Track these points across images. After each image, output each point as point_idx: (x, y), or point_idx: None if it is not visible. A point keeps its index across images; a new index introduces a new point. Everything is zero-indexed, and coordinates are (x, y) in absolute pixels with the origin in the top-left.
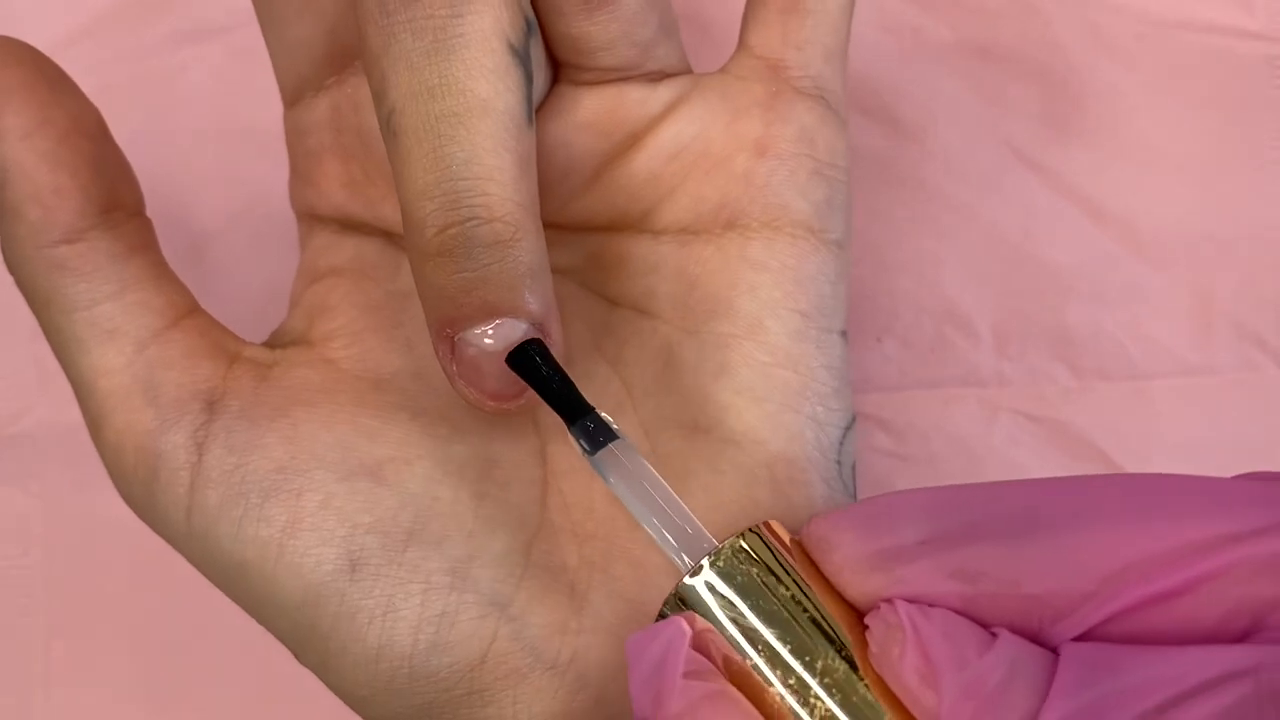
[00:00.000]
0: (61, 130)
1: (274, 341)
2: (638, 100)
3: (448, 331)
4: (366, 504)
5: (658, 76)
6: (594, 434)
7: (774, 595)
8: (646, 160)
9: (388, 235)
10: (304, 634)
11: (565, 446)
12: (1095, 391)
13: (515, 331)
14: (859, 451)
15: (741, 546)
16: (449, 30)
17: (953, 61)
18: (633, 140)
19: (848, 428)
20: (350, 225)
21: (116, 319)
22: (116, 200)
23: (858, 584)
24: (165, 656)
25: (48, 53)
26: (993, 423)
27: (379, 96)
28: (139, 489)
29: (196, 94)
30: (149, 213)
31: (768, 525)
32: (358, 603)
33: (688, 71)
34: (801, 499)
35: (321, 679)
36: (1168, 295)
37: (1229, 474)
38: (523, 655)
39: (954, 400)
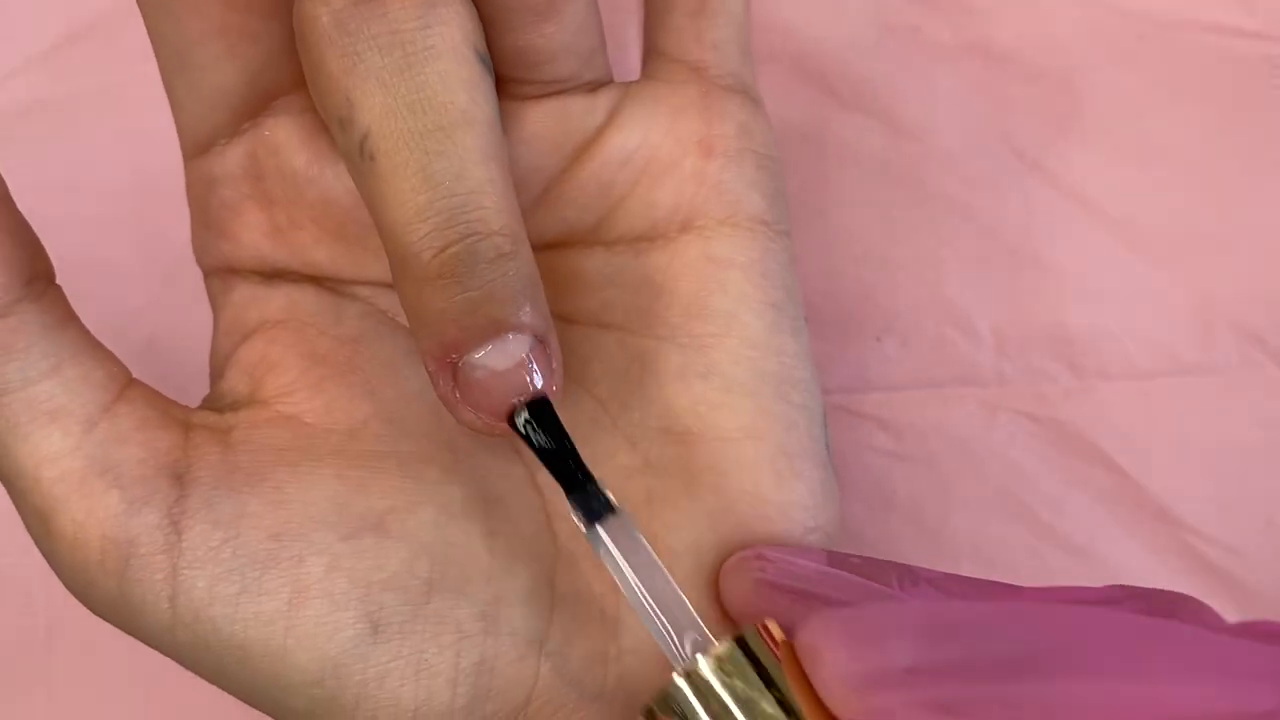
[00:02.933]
0: None
1: (215, 405)
2: (581, 111)
3: (450, 358)
4: (376, 561)
5: (594, 86)
6: (592, 506)
7: (761, 702)
8: (595, 171)
9: (318, 281)
10: (324, 711)
11: None
12: (1095, 391)
13: (521, 347)
14: (859, 451)
15: (734, 649)
16: (419, 43)
17: (953, 61)
18: (579, 152)
19: (825, 414)
20: (276, 274)
21: (57, 398)
22: (36, 269)
23: (843, 702)
24: (165, 656)
25: (47, 52)
26: (992, 422)
27: (345, 124)
28: (108, 584)
29: None
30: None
31: (764, 626)
32: (386, 666)
33: (613, 80)
34: (804, 492)
35: None
36: (1168, 295)
37: (1228, 474)
38: (568, 691)
39: (954, 400)
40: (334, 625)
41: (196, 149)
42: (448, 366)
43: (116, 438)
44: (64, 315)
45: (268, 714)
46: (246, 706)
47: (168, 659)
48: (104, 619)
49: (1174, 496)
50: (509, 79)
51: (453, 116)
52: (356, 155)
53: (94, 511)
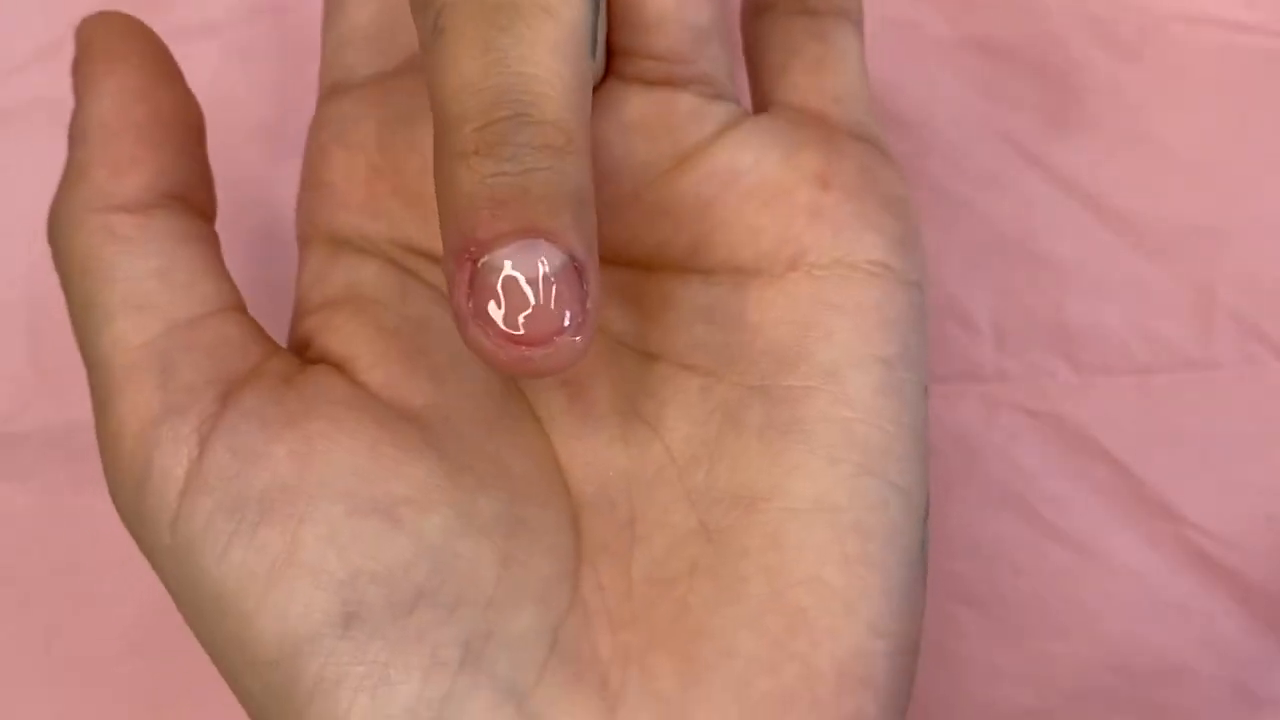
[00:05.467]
0: (160, 111)
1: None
2: (690, 112)
3: (470, 252)
4: (375, 547)
5: (710, 93)
6: None
7: None
8: (697, 183)
9: (395, 260)
10: (277, 699)
11: (602, 517)
12: (1096, 387)
13: (553, 260)
14: None
15: None
16: None
17: (952, 56)
18: (681, 157)
19: (927, 505)
20: (364, 246)
21: (154, 295)
22: (184, 192)
23: None
24: (165, 656)
25: (47, 51)
26: (993, 418)
27: (424, 4)
28: (130, 488)
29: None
30: None
31: None
32: (345, 668)
33: (738, 103)
34: (876, 583)
35: None
36: (1169, 289)
37: (1229, 468)
38: None
39: (954, 396)
40: (308, 602)
41: (328, 90)
42: (466, 264)
43: (189, 344)
44: (197, 235)
45: (230, 686)
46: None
47: (167, 659)
48: (126, 527)
49: (1175, 491)
50: (616, 51)
51: (533, 2)
52: (429, 35)
53: (136, 407)
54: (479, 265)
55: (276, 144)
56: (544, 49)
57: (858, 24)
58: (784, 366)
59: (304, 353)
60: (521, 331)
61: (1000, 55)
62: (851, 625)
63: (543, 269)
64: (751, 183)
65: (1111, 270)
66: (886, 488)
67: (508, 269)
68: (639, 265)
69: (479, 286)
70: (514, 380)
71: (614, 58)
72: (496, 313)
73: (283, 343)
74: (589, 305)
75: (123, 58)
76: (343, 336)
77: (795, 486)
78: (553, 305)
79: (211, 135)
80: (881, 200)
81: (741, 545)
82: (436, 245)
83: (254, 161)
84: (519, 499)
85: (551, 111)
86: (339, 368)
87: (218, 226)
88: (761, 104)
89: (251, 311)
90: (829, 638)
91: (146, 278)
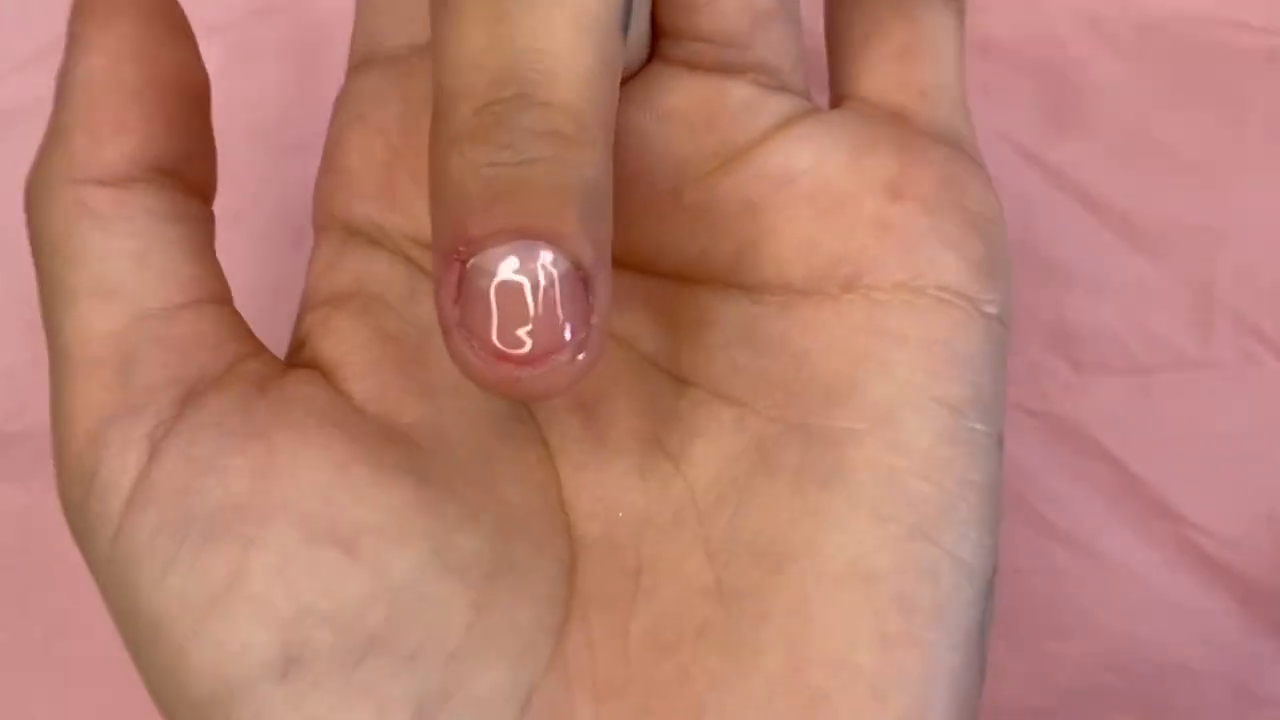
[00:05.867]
0: (156, 72)
1: (289, 359)
2: (742, 103)
3: (459, 251)
4: (328, 583)
5: (769, 83)
6: None
7: None
8: (744, 183)
9: (405, 256)
10: None
11: (604, 563)
12: (1096, 386)
13: (552, 267)
14: None
15: None
16: None
17: None
18: (729, 155)
19: (992, 579)
20: (377, 237)
21: (126, 281)
22: (184, 176)
23: None
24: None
25: (47, 51)
26: None
27: None
28: (77, 491)
29: None
30: None
31: None
32: (279, 719)
33: (806, 97)
34: (916, 670)
35: None
36: (1168, 289)
37: (1229, 468)
38: None
39: None
40: (244, 643)
41: (358, 61)
42: (454, 264)
43: (157, 338)
44: (184, 215)
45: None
46: None
47: None
48: (71, 533)
49: (1175, 491)
50: (663, 31)
51: None
52: (439, 4)
53: (90, 403)
54: (468, 267)
55: (277, 144)
56: (562, 21)
57: (958, 8)
58: (830, 402)
59: (299, 353)
60: (513, 348)
61: (998, 54)
62: (880, 717)
63: (541, 276)
64: (809, 187)
65: (1111, 270)
66: (941, 557)
67: (501, 273)
68: (675, 276)
69: (467, 291)
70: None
71: (659, 39)
72: (485, 323)
73: (283, 345)
74: (594, 321)
75: (122, 10)
76: (337, 339)
77: (830, 545)
78: (551, 318)
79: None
80: (964, 216)
81: (761, 610)
82: None
83: (254, 162)
84: (507, 536)
85: (562, 93)
86: (327, 374)
87: (218, 228)
88: (837, 99)
89: (250, 316)
90: None
91: (119, 260)
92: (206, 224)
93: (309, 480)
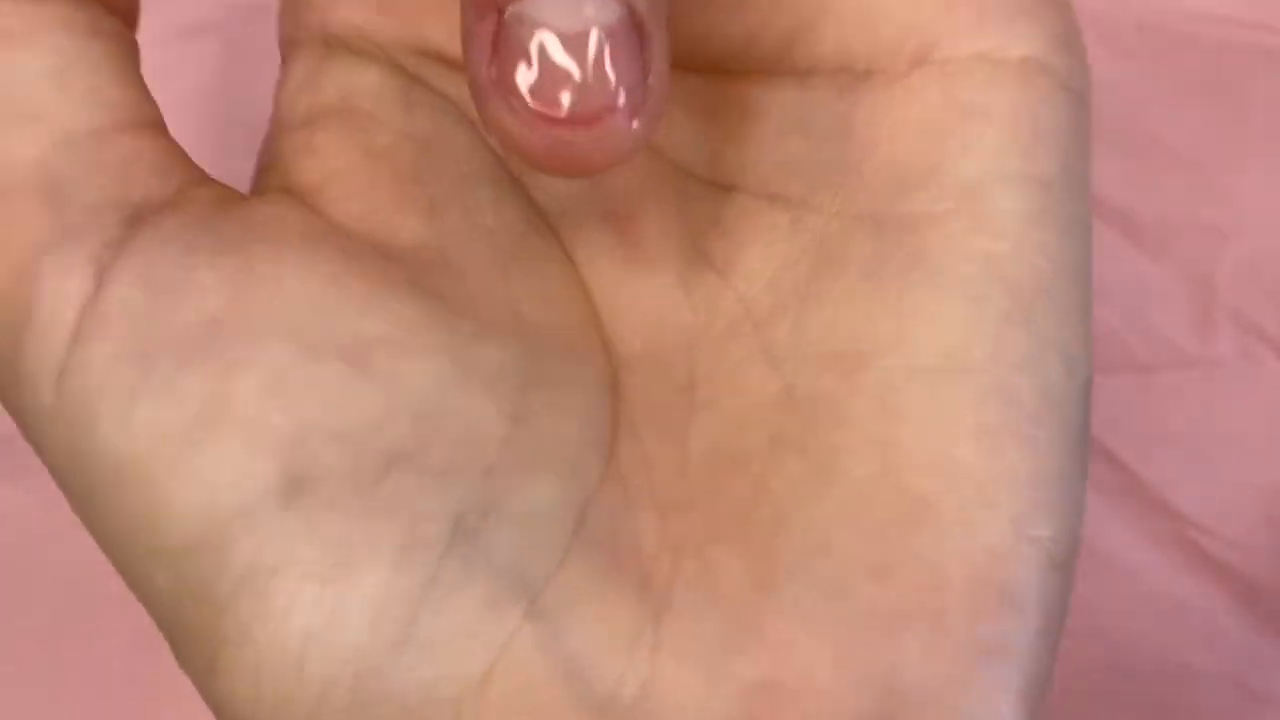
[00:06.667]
0: None
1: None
2: None
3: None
4: (335, 399)
5: None
6: None
7: None
8: None
9: (398, 66)
10: (191, 597)
11: (651, 380)
12: (1096, 384)
13: (605, 13)
14: None
15: None
16: None
17: None
18: None
19: (1091, 380)
20: (364, 48)
21: (47, 103)
22: None
23: None
24: (166, 656)
25: None
26: None
27: None
28: (5, 337)
29: (195, 90)
30: None
31: None
32: (288, 549)
33: None
34: (1026, 466)
35: (204, 693)
36: (1168, 287)
37: (1230, 467)
38: (554, 680)
39: None
40: (239, 470)
41: None
42: (489, 14)
43: (90, 161)
44: (104, 32)
45: (130, 586)
46: None
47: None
48: None
49: (1175, 490)
50: None
51: None
52: None
53: (15, 235)
54: (505, 16)
55: None
56: None
57: None
58: (905, 188)
59: (265, 181)
60: (559, 110)
61: None
62: (991, 520)
63: (590, 23)
64: None
65: (1111, 268)
66: (1040, 342)
67: (545, 20)
68: (715, 69)
69: (505, 44)
70: (542, 214)
71: None
72: (527, 79)
73: None
74: (652, 81)
75: None
76: (319, 160)
77: (919, 336)
78: (601, 72)
79: (211, 133)
80: None
81: (841, 414)
82: (459, 44)
83: (253, 161)
84: (537, 351)
85: None
86: (305, 198)
87: None
88: None
89: None
90: (960, 536)
91: (37, 79)
92: (130, 47)
93: (299, 293)
